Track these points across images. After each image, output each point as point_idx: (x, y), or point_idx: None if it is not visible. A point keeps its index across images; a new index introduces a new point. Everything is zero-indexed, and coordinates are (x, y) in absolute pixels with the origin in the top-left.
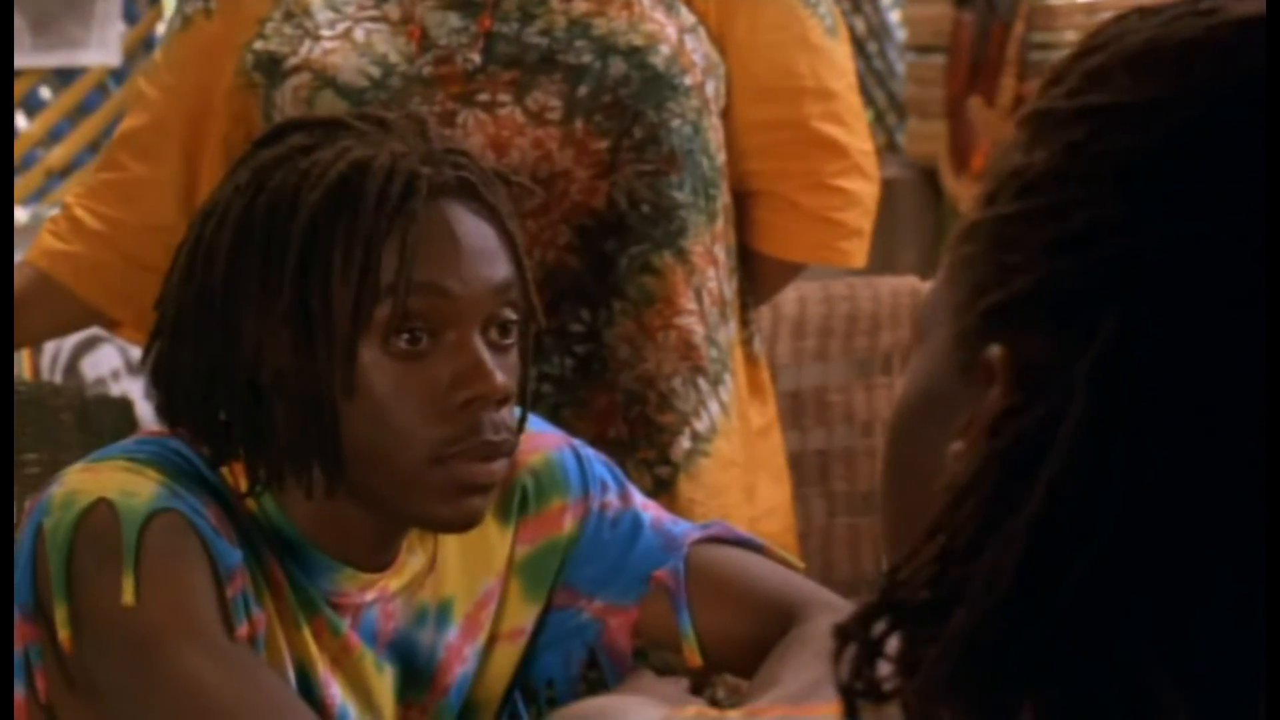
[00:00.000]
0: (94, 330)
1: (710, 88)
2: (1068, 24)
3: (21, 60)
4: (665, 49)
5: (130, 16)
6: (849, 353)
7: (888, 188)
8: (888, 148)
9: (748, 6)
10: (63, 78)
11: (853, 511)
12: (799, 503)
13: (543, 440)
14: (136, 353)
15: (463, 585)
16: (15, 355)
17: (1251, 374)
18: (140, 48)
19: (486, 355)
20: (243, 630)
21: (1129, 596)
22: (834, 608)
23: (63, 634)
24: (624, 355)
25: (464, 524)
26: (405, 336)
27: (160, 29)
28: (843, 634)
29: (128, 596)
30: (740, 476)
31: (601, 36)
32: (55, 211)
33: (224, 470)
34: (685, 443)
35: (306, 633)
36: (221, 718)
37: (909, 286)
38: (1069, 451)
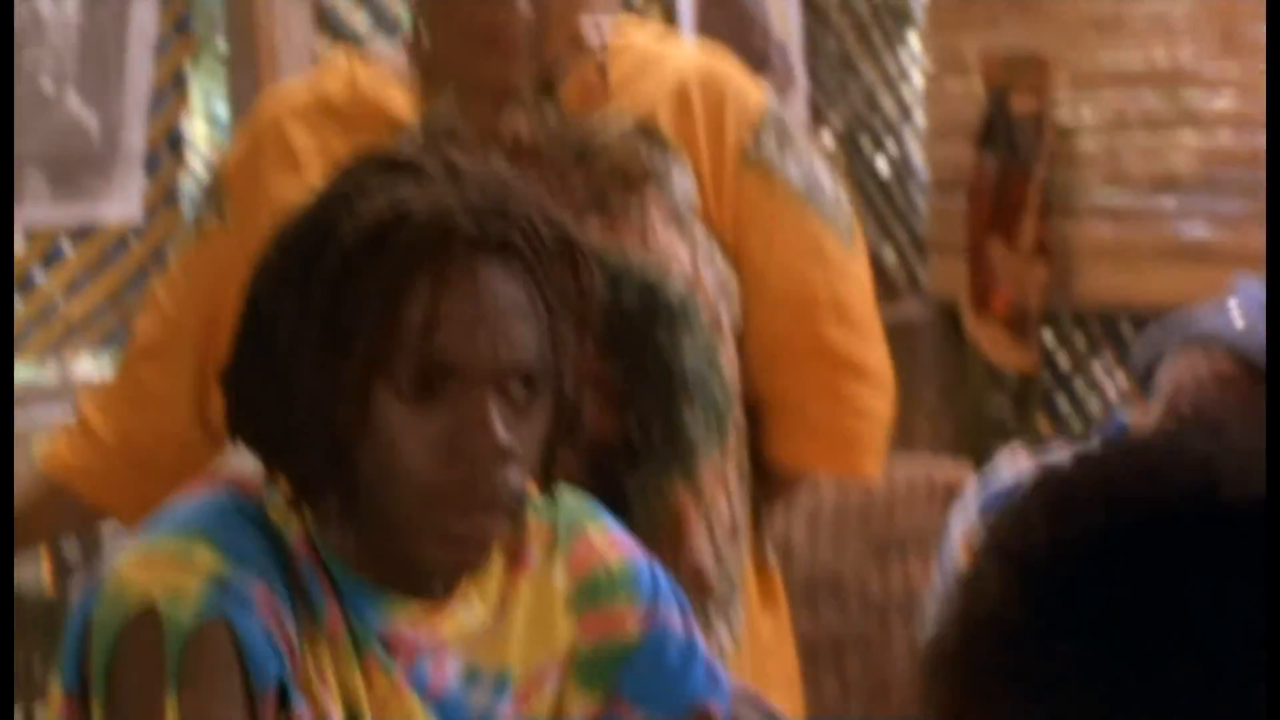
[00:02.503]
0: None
1: (724, 309)
2: (1089, 166)
3: (40, 215)
4: (678, 279)
5: (152, 167)
6: (865, 536)
7: (908, 327)
8: (909, 286)
9: (763, 221)
10: (83, 230)
11: (867, 697)
12: (811, 686)
13: (625, 544)
14: None
15: (522, 657)
16: (36, 564)
17: None
18: (162, 201)
19: (494, 411)
20: None
21: None
22: None
23: None
24: None
25: (452, 571)
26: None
27: (183, 181)
28: None
29: (172, 717)
30: None
31: (614, 266)
32: (74, 365)
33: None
34: None
35: (358, 674)
36: None
37: (924, 471)
38: None
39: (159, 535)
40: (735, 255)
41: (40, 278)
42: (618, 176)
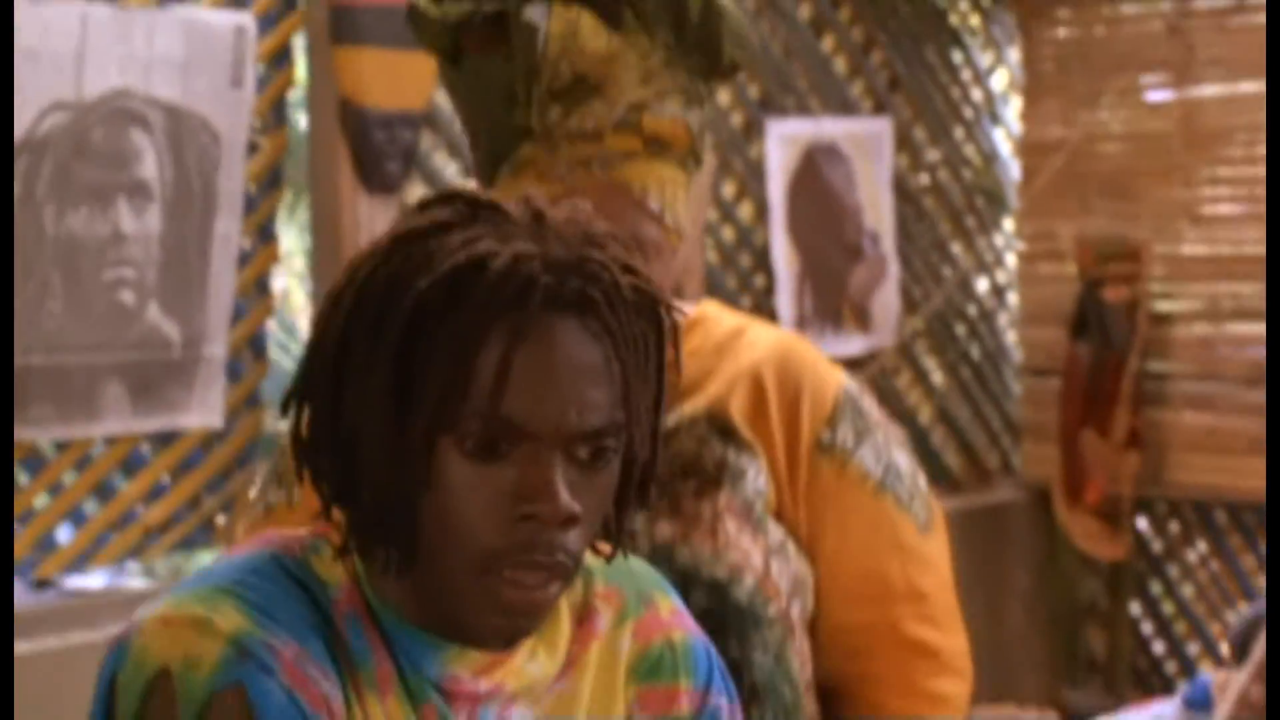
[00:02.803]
0: None
1: (796, 608)
2: (1183, 356)
3: (120, 427)
4: (749, 580)
5: (234, 373)
6: None
7: (1001, 510)
8: (1002, 469)
9: (837, 512)
10: (164, 437)
11: None
12: None
13: (689, 622)
14: None
15: (592, 716)
16: None
17: None
18: (244, 405)
19: (559, 474)
20: None
21: None
22: None
23: None
24: None
25: (499, 642)
26: (480, 449)
27: (264, 385)
28: None
29: None
30: None
31: (684, 567)
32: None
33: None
34: None
35: None
36: None
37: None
38: None
39: (189, 591)
40: (809, 544)
41: (120, 482)
42: (690, 475)
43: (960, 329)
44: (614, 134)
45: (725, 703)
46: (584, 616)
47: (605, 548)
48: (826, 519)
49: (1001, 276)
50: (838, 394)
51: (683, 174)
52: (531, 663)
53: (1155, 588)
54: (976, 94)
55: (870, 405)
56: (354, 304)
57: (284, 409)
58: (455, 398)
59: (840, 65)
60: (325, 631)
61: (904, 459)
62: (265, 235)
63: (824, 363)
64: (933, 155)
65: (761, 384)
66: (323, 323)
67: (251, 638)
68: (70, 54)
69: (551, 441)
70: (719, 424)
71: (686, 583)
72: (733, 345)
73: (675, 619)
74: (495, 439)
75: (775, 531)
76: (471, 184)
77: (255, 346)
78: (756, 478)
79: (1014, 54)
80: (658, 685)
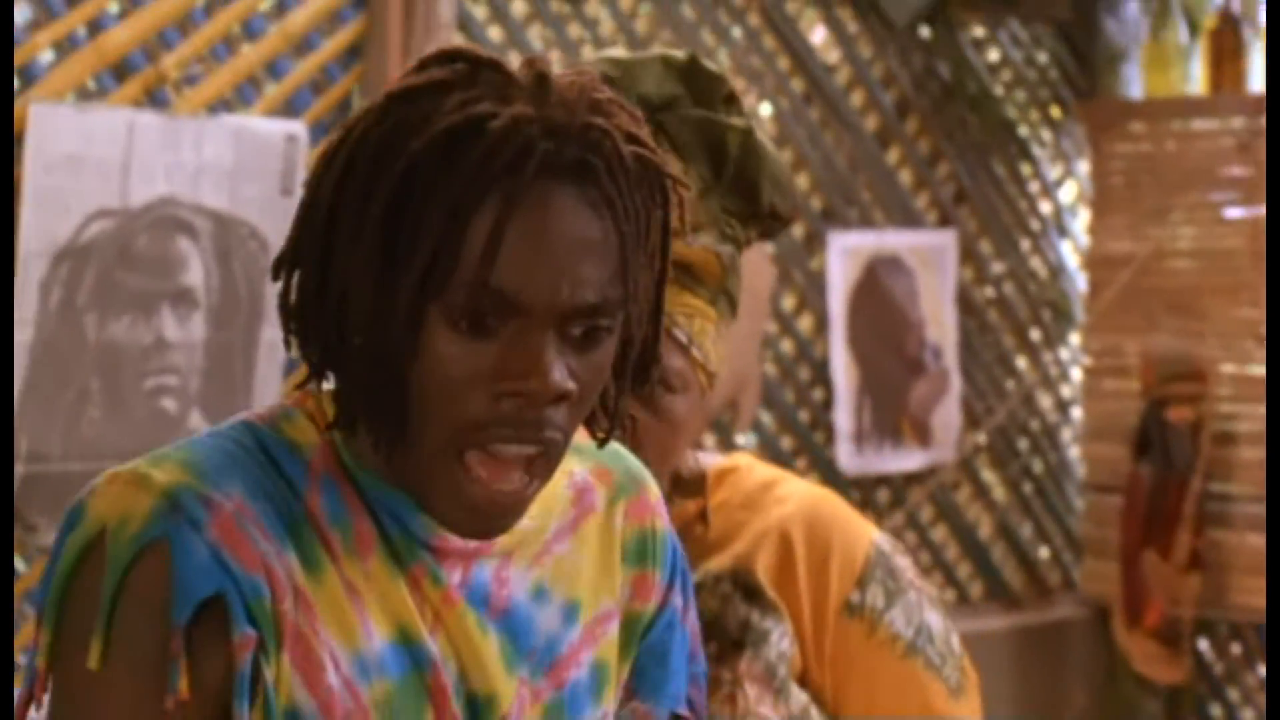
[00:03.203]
0: None
1: None
2: (1247, 477)
3: None
4: None
5: None
6: None
7: (1060, 628)
8: (1063, 586)
9: (864, 676)
10: None
11: None
12: None
13: (665, 513)
14: None
15: (591, 593)
16: None
17: None
18: None
19: (550, 351)
20: (179, 693)
21: None
22: None
23: (40, 661)
24: None
25: (471, 533)
26: (469, 320)
27: None
28: None
29: (93, 662)
30: None
31: None
32: None
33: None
34: None
35: (403, 585)
36: None
37: None
38: None
39: (146, 456)
40: (834, 709)
41: None
42: (711, 638)
43: (1023, 444)
44: None
45: (680, 603)
46: (581, 489)
47: (600, 430)
48: (853, 682)
49: (1066, 391)
50: (869, 553)
51: (713, 310)
52: (524, 518)
53: (1216, 711)
54: (1044, 206)
55: (903, 563)
56: (346, 164)
57: (274, 273)
58: (445, 264)
59: (905, 177)
60: (288, 495)
61: (937, 619)
62: None
63: (856, 520)
64: (998, 268)
65: (789, 542)
66: (315, 184)
67: (187, 491)
68: (116, 161)
69: (542, 318)
70: (743, 583)
71: None
72: (762, 500)
73: (659, 506)
74: (483, 312)
75: (799, 697)
76: None
77: None
78: (780, 640)
79: (1083, 167)
80: (644, 570)
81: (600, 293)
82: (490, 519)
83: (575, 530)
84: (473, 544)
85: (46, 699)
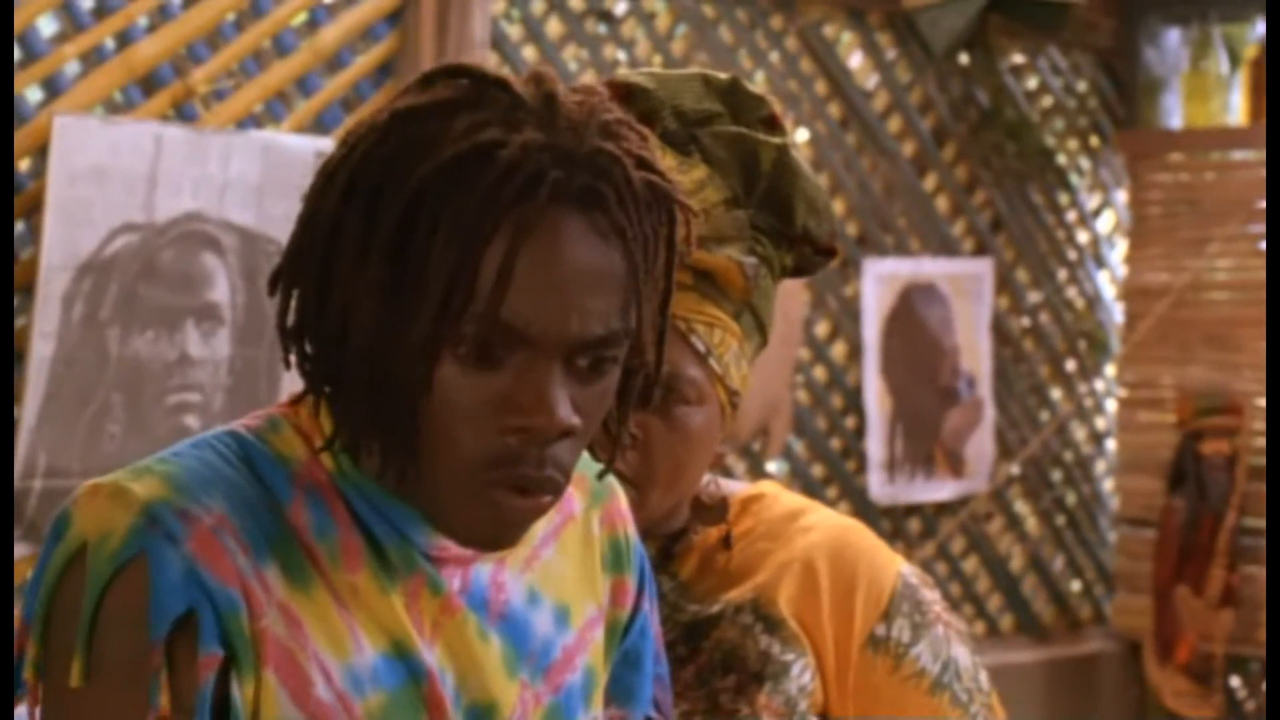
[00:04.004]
0: None
1: None
2: None
3: None
4: None
5: None
6: None
7: (1091, 661)
8: (1094, 620)
9: (886, 711)
10: None
11: None
12: None
13: (633, 520)
14: None
15: (577, 598)
16: None
17: None
18: None
19: (556, 385)
20: (161, 709)
21: None
22: None
23: (27, 674)
24: None
25: (488, 547)
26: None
27: None
28: None
29: (76, 680)
30: None
31: None
32: None
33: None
34: None
35: (395, 599)
36: None
37: None
38: None
39: (128, 468)
40: None
41: None
42: (730, 670)
43: (1056, 475)
44: None
45: (648, 607)
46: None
47: (602, 452)
48: (876, 715)
49: (1100, 423)
50: (895, 585)
51: (736, 326)
52: None
53: None
54: (1081, 236)
55: (931, 596)
56: (348, 184)
57: (271, 288)
58: (460, 298)
59: (942, 204)
60: (271, 508)
61: (965, 655)
62: None
63: (883, 551)
64: (1034, 297)
65: (814, 573)
66: (316, 199)
67: (164, 505)
68: (143, 175)
69: (550, 350)
70: (765, 614)
71: None
72: (786, 529)
73: (628, 513)
74: (491, 344)
75: None
76: None
77: None
78: (802, 674)
79: (1121, 196)
80: (621, 576)
81: (608, 325)
82: (504, 537)
83: (558, 536)
84: (469, 551)
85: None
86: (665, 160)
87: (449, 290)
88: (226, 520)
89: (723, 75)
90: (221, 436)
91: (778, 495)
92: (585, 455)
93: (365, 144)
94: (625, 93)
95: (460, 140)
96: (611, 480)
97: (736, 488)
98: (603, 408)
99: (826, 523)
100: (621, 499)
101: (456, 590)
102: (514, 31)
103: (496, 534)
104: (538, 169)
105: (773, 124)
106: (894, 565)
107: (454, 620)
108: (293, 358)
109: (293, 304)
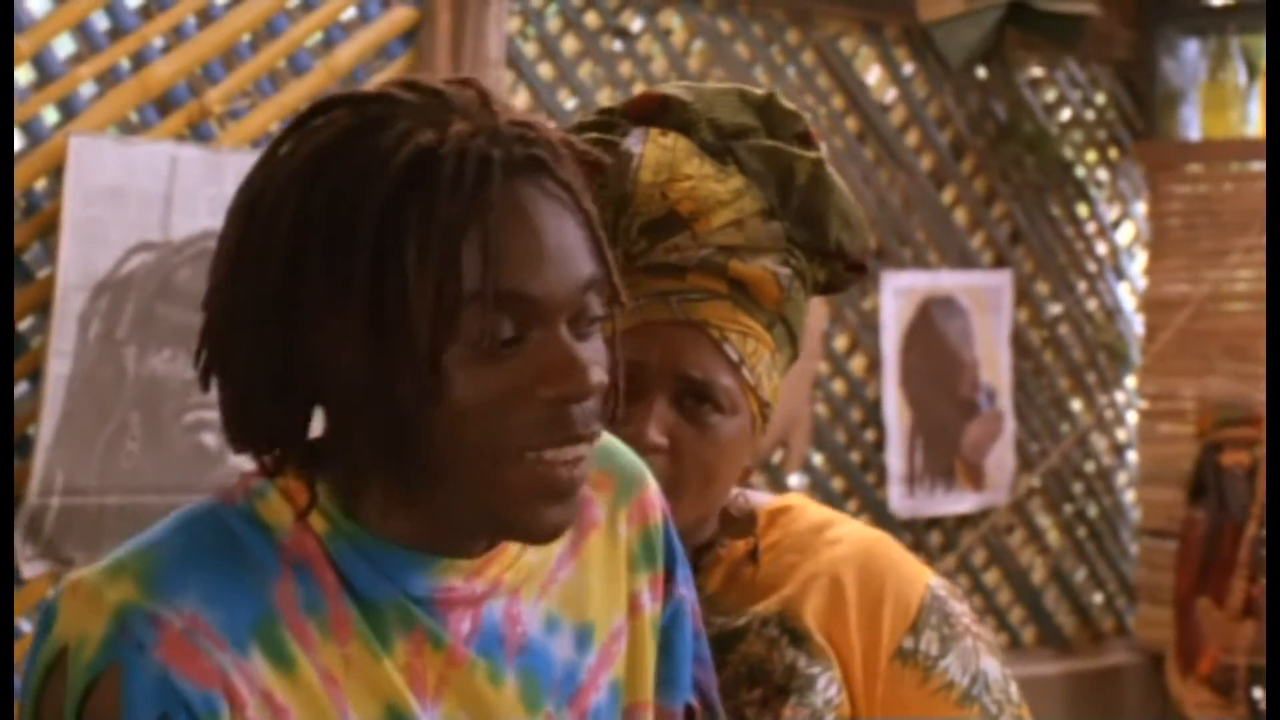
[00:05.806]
0: None
1: None
2: None
3: None
4: None
5: None
6: None
7: (1113, 673)
8: (1116, 632)
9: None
10: None
11: None
12: None
13: (663, 504)
14: None
15: (602, 613)
16: None
17: None
18: None
19: (577, 350)
20: None
21: None
22: None
23: None
24: None
25: (548, 533)
26: (490, 338)
27: None
28: None
29: None
30: None
31: None
32: None
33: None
34: None
35: (390, 664)
36: None
37: None
38: None
39: (113, 555)
40: None
41: None
42: (756, 684)
43: (1077, 487)
44: (697, 272)
45: (685, 593)
46: (580, 505)
47: (605, 412)
48: None
49: (1121, 435)
50: (923, 597)
51: (769, 337)
52: (527, 552)
53: None
54: (1101, 248)
55: (960, 608)
56: (293, 236)
57: (204, 378)
58: (451, 298)
59: (960, 217)
60: (255, 588)
61: (995, 667)
62: None
63: (911, 563)
64: (1054, 310)
65: (841, 585)
66: (238, 264)
67: (136, 610)
68: (158, 194)
69: (555, 314)
70: (791, 627)
71: None
72: (813, 542)
73: (657, 498)
74: (499, 322)
75: None
76: None
77: None
78: (828, 687)
79: (1140, 208)
80: (655, 572)
81: (591, 273)
82: (567, 505)
83: (577, 552)
84: (480, 588)
85: None
86: (703, 167)
87: (441, 292)
88: (199, 619)
89: (759, 90)
90: (203, 513)
91: (805, 508)
92: (614, 449)
93: (294, 195)
94: (662, 104)
95: (399, 151)
96: (639, 468)
97: (763, 500)
98: (605, 362)
99: (854, 535)
100: (652, 484)
101: (465, 634)
102: (530, 49)
103: (562, 510)
104: (482, 153)
105: (807, 140)
106: (922, 577)
107: (460, 672)
108: (242, 434)
109: (238, 367)
